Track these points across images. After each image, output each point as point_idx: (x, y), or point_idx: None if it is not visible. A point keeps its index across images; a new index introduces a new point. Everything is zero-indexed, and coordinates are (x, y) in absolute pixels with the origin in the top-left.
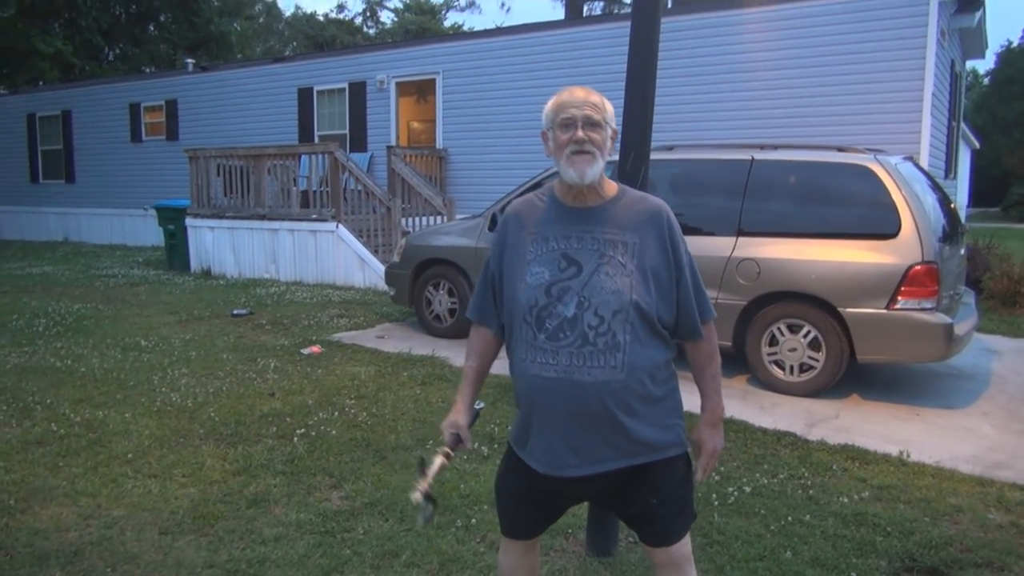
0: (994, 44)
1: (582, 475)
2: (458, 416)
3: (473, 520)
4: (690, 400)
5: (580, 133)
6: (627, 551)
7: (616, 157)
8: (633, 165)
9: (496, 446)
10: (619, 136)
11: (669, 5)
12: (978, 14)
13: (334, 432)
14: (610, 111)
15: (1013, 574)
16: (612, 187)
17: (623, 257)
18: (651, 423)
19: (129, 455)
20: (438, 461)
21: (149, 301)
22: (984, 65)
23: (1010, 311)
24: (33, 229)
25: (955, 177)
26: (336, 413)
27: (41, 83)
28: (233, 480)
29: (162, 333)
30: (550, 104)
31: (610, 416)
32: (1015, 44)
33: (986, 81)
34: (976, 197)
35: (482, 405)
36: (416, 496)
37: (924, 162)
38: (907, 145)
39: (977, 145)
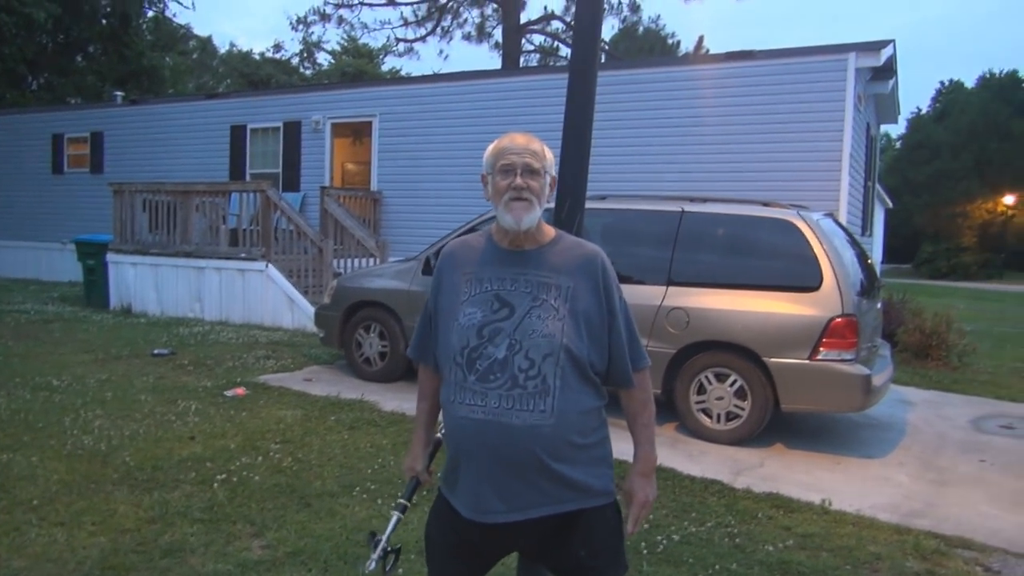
0: (905, 111)
1: (508, 522)
2: (415, 461)
3: (401, 571)
4: (621, 447)
5: (519, 180)
6: None
7: (552, 204)
8: (569, 212)
9: (426, 494)
10: (556, 183)
11: (603, 60)
12: (891, 81)
13: (257, 478)
14: (550, 159)
15: None
16: (549, 232)
17: (556, 301)
18: (580, 470)
19: (35, 501)
20: (395, 518)
21: (64, 339)
22: (896, 130)
23: (923, 363)
24: None
25: (871, 234)
26: (260, 458)
27: None
28: (147, 528)
29: (76, 372)
30: (491, 148)
31: (538, 461)
32: (924, 111)
33: (898, 145)
34: (889, 254)
35: (443, 431)
36: (370, 565)
37: (843, 218)
38: (827, 202)
39: (890, 204)
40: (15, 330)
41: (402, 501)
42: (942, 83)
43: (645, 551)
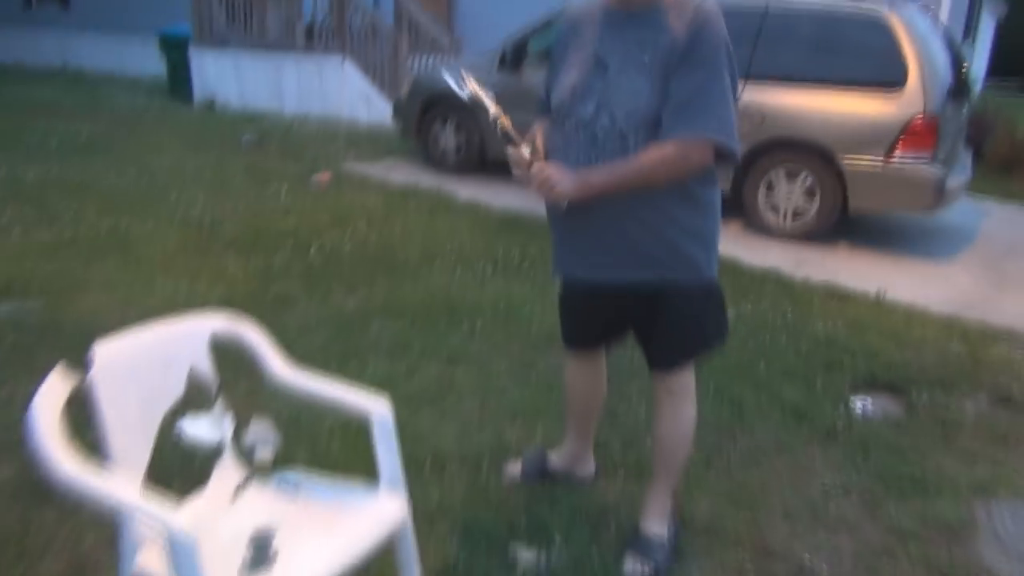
0: None
1: (587, 278)
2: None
3: (478, 324)
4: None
5: None
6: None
7: None
8: None
9: (500, 267)
10: None
11: None
12: None
13: (347, 248)
14: None
15: (960, 392)
16: None
17: (650, 58)
18: (662, 240)
19: (156, 258)
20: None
21: (156, 127)
22: None
23: (1008, 177)
24: (29, 54)
25: (973, 41)
26: (348, 232)
27: None
28: (256, 283)
29: (174, 156)
30: None
31: (611, 222)
32: None
33: None
34: (995, 68)
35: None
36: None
37: (944, 17)
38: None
39: (1005, 13)
40: (112, 119)
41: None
42: None
43: None
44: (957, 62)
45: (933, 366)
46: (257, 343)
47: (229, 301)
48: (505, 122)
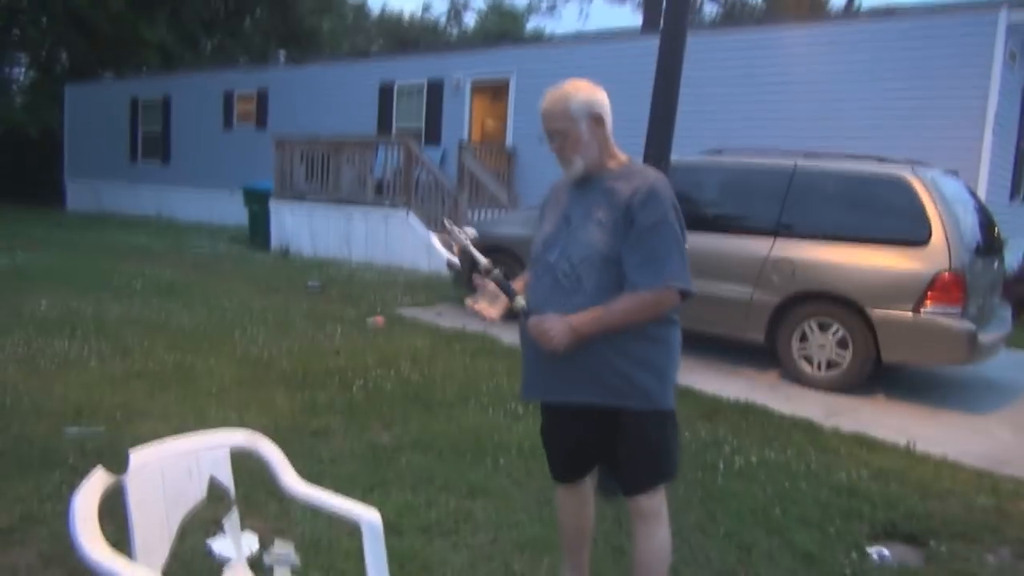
0: None
1: (552, 403)
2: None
3: (501, 461)
4: (717, 386)
5: (552, 146)
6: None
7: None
8: (652, 161)
9: (529, 407)
10: (600, 119)
11: (758, 15)
12: None
13: (389, 386)
14: (575, 105)
15: (984, 546)
16: (618, 161)
17: (603, 216)
18: (615, 370)
19: (213, 391)
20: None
21: (233, 272)
22: None
23: None
24: (130, 204)
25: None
26: (392, 372)
27: (144, 70)
28: (300, 416)
29: (243, 299)
30: None
31: (568, 352)
32: None
33: None
34: None
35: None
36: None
37: (983, 179)
38: (967, 161)
39: None
40: (194, 264)
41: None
42: None
43: (722, 468)
44: (987, 221)
45: (957, 518)
46: (272, 457)
47: (272, 431)
48: (498, 274)
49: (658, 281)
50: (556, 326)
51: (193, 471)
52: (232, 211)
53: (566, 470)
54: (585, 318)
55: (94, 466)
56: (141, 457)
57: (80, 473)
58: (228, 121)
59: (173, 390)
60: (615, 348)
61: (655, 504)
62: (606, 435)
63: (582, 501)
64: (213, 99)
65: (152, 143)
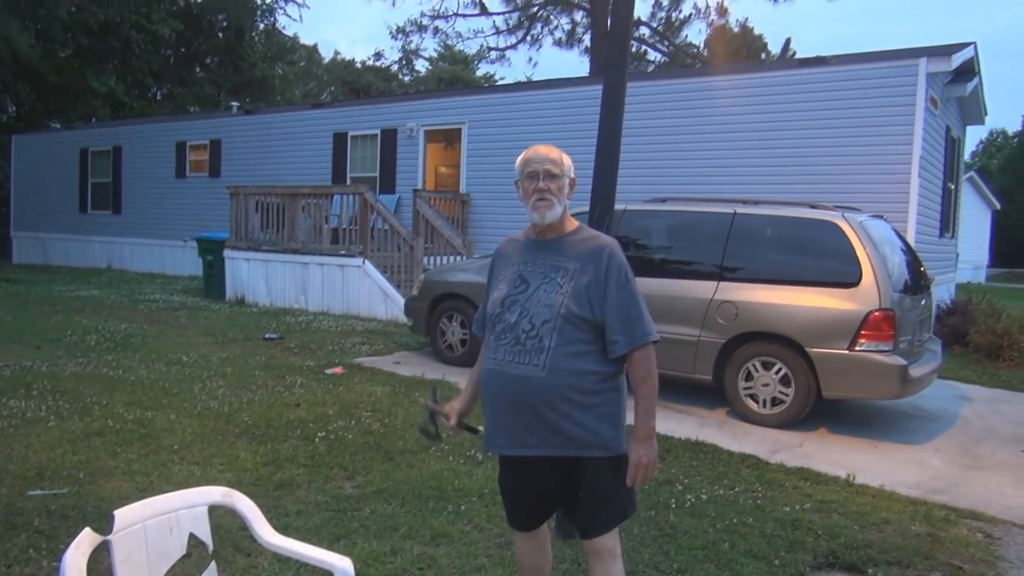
0: (1021, 107)
1: (513, 455)
2: (456, 402)
3: (463, 507)
4: (669, 426)
5: (541, 184)
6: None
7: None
8: (600, 214)
9: (490, 454)
10: (575, 183)
11: (697, 64)
12: (972, 83)
13: (350, 436)
14: (567, 164)
15: (918, 572)
16: (572, 224)
17: (562, 279)
18: (576, 423)
19: (175, 447)
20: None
21: (188, 324)
22: (1011, 127)
23: (993, 364)
24: (79, 256)
25: (953, 235)
26: (353, 422)
27: (94, 119)
28: (263, 469)
29: (201, 351)
30: (519, 159)
31: (531, 407)
32: None
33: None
34: (999, 258)
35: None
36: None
37: (912, 221)
38: (897, 204)
39: (998, 206)
40: (148, 316)
41: (430, 404)
42: None
43: (674, 506)
44: (914, 261)
45: (893, 546)
46: (249, 513)
47: (236, 485)
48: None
49: (644, 337)
50: (651, 455)
51: (174, 528)
52: (186, 261)
53: (525, 519)
54: (647, 421)
55: (60, 528)
56: (125, 517)
57: (46, 536)
58: (181, 170)
59: (135, 447)
60: (574, 402)
61: (611, 543)
62: (565, 482)
63: (540, 546)
64: (165, 148)
65: (102, 193)
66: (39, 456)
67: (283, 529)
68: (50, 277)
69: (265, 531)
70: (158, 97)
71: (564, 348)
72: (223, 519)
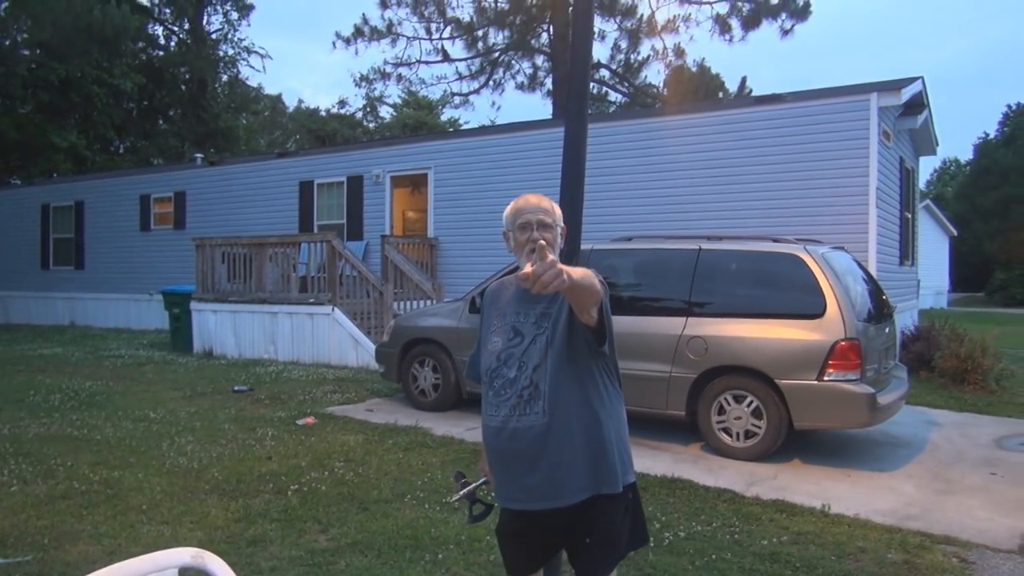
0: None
1: (528, 510)
2: (485, 463)
3: (440, 556)
4: (645, 464)
5: (535, 234)
6: None
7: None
8: (567, 254)
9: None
10: (567, 232)
11: (656, 104)
12: (922, 116)
13: (324, 488)
14: (558, 213)
15: None
16: None
17: (547, 323)
18: (583, 461)
19: (144, 507)
20: (480, 480)
21: (155, 379)
22: (964, 155)
23: (960, 388)
24: (42, 313)
25: (912, 263)
26: (326, 473)
27: (55, 175)
28: (235, 526)
29: (169, 407)
30: (509, 209)
31: (540, 457)
32: (992, 136)
33: (968, 171)
34: (959, 283)
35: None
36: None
37: (872, 251)
38: (857, 235)
39: (955, 232)
40: (113, 372)
41: (464, 493)
42: (1009, 107)
43: (652, 544)
44: (876, 290)
45: (871, 574)
46: (220, 573)
47: (208, 544)
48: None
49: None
50: (554, 274)
51: None
52: (152, 315)
53: (525, 567)
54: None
55: None
56: None
57: None
58: (145, 224)
59: (102, 509)
60: (580, 437)
61: None
62: (572, 526)
63: None
64: (129, 202)
65: (65, 249)
66: (1, 523)
67: None
68: (11, 336)
69: None
70: (121, 151)
71: (560, 383)
72: None
